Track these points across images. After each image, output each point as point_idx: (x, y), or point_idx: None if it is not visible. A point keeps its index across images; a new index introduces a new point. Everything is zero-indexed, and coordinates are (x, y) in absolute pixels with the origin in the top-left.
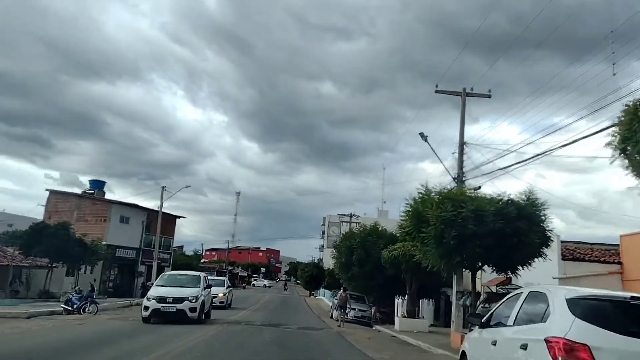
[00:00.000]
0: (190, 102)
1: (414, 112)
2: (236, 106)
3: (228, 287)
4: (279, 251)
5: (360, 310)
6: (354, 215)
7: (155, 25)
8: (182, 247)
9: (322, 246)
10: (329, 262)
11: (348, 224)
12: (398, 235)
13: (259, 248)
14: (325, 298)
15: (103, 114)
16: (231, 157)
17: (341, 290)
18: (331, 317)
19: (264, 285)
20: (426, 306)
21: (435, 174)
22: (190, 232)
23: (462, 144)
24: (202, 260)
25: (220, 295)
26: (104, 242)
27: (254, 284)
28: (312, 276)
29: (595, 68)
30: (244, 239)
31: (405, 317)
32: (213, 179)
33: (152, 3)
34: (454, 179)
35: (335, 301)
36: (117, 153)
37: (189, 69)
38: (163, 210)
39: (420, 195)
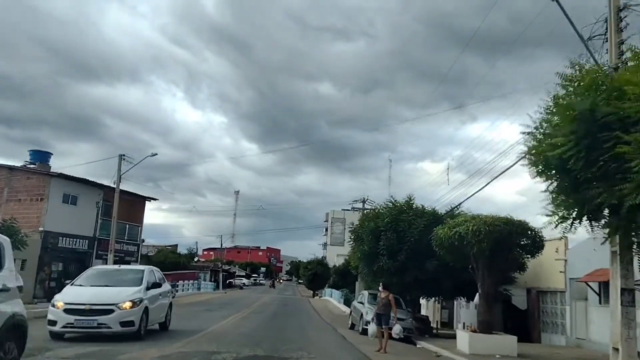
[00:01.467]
0: (190, 103)
1: (414, 112)
2: (236, 107)
3: (152, 286)
4: (279, 250)
5: (398, 319)
6: (367, 200)
7: (154, 27)
8: (176, 245)
9: (325, 244)
10: (333, 260)
11: (360, 212)
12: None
13: (259, 247)
14: (333, 299)
15: (102, 116)
16: (231, 158)
17: (380, 290)
18: (350, 328)
19: (243, 284)
20: (464, 309)
21: (441, 174)
22: (191, 234)
23: (618, 7)
24: (195, 259)
25: (125, 306)
26: (40, 228)
27: (230, 282)
28: (315, 275)
29: None
30: (245, 241)
31: (476, 331)
32: (213, 180)
33: (151, 5)
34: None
35: (366, 309)
36: (116, 154)
37: (188, 70)
38: (130, 190)
39: (567, 85)
